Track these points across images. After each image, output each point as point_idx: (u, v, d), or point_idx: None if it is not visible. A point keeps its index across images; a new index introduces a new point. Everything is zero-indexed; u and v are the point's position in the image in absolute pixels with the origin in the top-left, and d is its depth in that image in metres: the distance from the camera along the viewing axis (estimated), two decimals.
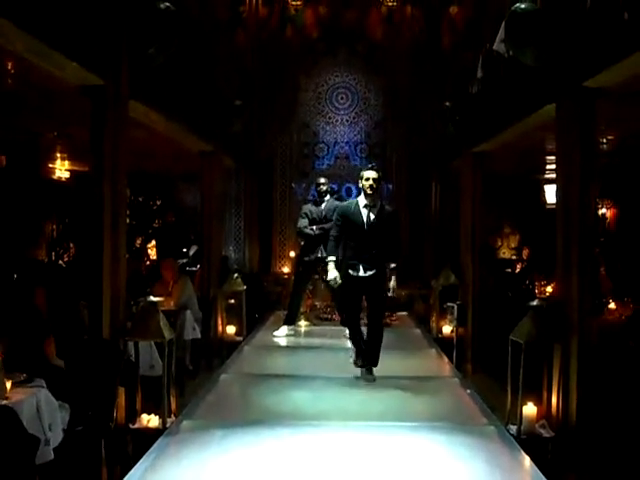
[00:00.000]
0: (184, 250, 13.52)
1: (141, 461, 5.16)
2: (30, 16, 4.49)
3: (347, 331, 10.10)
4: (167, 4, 6.15)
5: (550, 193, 12.74)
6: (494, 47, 7.39)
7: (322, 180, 10.61)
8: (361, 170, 7.79)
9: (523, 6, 6.06)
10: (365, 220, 7.51)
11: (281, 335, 10.40)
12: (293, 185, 14.56)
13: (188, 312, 8.55)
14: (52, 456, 4.36)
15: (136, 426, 5.98)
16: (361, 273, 7.44)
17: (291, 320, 10.58)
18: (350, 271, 7.47)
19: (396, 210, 8.09)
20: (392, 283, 7.52)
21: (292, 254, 13.99)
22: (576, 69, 5.71)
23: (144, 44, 6.09)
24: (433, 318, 11.02)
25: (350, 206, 7.72)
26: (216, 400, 7.05)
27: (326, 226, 9.90)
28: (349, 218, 7.57)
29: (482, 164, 9.56)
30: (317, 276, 10.87)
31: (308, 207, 10.49)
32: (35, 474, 4.18)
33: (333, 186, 12.04)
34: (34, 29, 4.54)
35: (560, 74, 5.97)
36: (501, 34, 6.87)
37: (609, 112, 6.49)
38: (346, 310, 8.13)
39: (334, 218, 8.00)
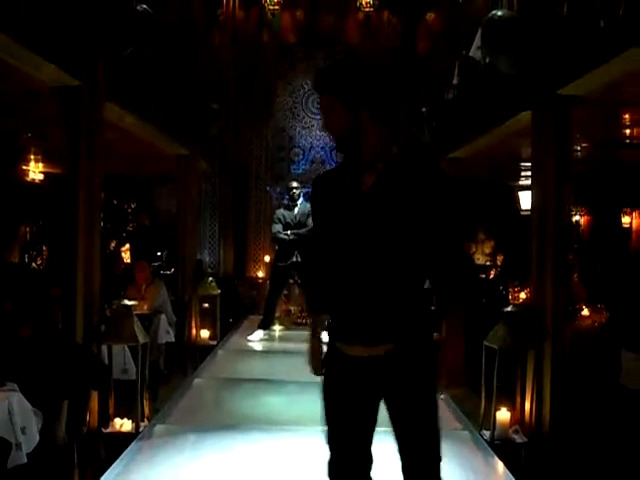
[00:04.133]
0: (158, 254, 13.46)
1: (113, 466, 5.13)
2: (4, 15, 4.44)
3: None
4: (144, 6, 6.14)
5: (524, 199, 12.80)
6: (470, 54, 7.43)
7: (294, 184, 10.62)
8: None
9: (500, 13, 6.11)
10: (351, 207, 2.94)
11: (255, 339, 10.37)
12: (268, 188, 14.54)
13: (162, 316, 8.49)
14: (25, 460, 4.32)
15: (109, 430, 5.95)
16: (356, 351, 2.96)
17: (266, 325, 10.55)
18: (337, 344, 3.04)
19: (443, 176, 3.05)
20: None
21: (267, 259, 13.98)
22: (551, 77, 5.75)
23: (120, 46, 6.06)
24: None
25: (324, 181, 3.15)
26: (190, 404, 7.01)
27: (301, 231, 9.94)
28: (323, 208, 3.08)
29: (457, 170, 9.59)
30: (292, 281, 10.88)
31: (281, 212, 10.50)
32: (6, 478, 4.14)
33: (309, 190, 12.05)
34: (8, 28, 4.50)
35: (536, 81, 6.00)
36: (477, 41, 6.92)
37: (584, 120, 6.54)
38: (335, 447, 3.10)
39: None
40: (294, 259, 10.06)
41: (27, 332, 5.23)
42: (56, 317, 6.09)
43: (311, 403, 6.72)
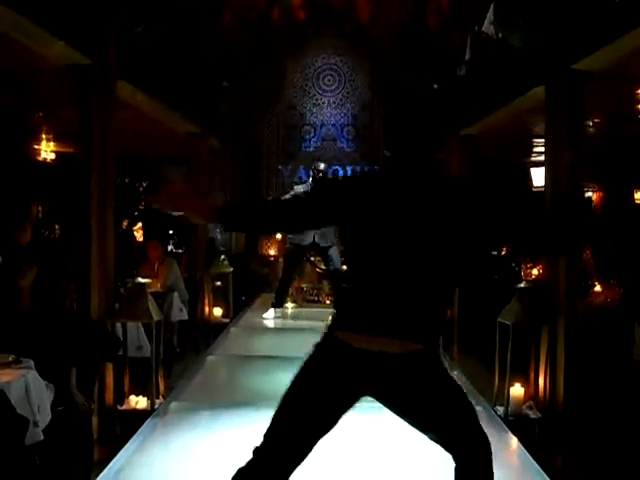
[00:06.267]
0: (170, 232, 13.50)
1: (129, 443, 5.16)
2: None
3: None
4: None
5: (536, 176, 12.76)
6: (483, 29, 7.37)
7: (322, 166, 10.15)
8: None
9: None
10: (399, 210, 2.82)
11: (269, 317, 10.39)
12: (280, 167, 14.49)
13: (175, 294, 8.53)
14: (41, 437, 4.36)
15: (124, 407, 5.99)
16: (374, 345, 2.76)
17: (279, 304, 10.53)
18: (340, 332, 2.85)
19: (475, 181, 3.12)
20: None
21: (279, 236, 13.93)
22: (565, 51, 5.71)
23: (131, 23, 6.04)
24: None
25: (355, 180, 3.23)
26: (203, 382, 7.05)
27: (295, 240, 9.91)
28: (349, 206, 2.89)
29: (469, 147, 9.56)
30: (305, 259, 10.85)
31: (300, 189, 10.03)
32: (28, 454, 4.17)
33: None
34: (19, 5, 4.49)
35: (549, 57, 5.96)
36: (490, 16, 6.86)
37: (597, 95, 6.50)
38: (281, 439, 2.96)
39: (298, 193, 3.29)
40: (313, 239, 9.88)
41: (26, 305, 5.25)
42: (64, 296, 6.12)
43: None
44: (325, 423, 2.90)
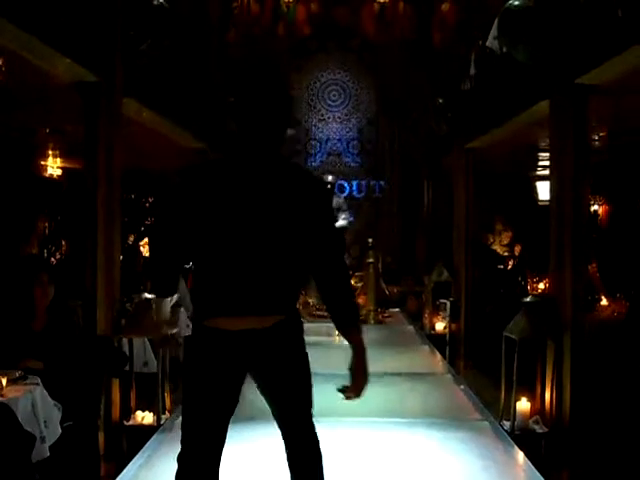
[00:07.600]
0: None
1: (136, 458, 5.17)
2: (23, 11, 4.48)
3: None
4: (161, 1, 6.15)
5: (542, 190, 12.75)
6: (487, 44, 7.38)
7: (330, 178, 10.52)
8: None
9: (516, 3, 6.07)
10: (243, 200, 2.94)
11: None
12: None
13: (182, 309, 8.52)
14: (48, 453, 4.35)
15: (130, 423, 5.99)
16: (239, 324, 2.95)
17: None
18: (208, 321, 3.00)
19: (325, 182, 3.56)
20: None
21: None
22: (569, 66, 5.73)
23: (138, 40, 6.08)
24: (426, 315, 11.05)
25: (199, 174, 3.07)
26: None
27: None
28: (197, 203, 2.97)
29: (474, 161, 9.58)
30: None
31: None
32: (32, 471, 4.17)
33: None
34: (27, 24, 4.53)
35: (553, 71, 5.98)
36: (494, 31, 6.88)
37: (602, 109, 6.51)
38: (199, 436, 3.14)
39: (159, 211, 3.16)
40: None
41: (40, 325, 5.24)
42: (72, 311, 6.12)
43: (332, 394, 6.74)
44: (226, 406, 3.13)
